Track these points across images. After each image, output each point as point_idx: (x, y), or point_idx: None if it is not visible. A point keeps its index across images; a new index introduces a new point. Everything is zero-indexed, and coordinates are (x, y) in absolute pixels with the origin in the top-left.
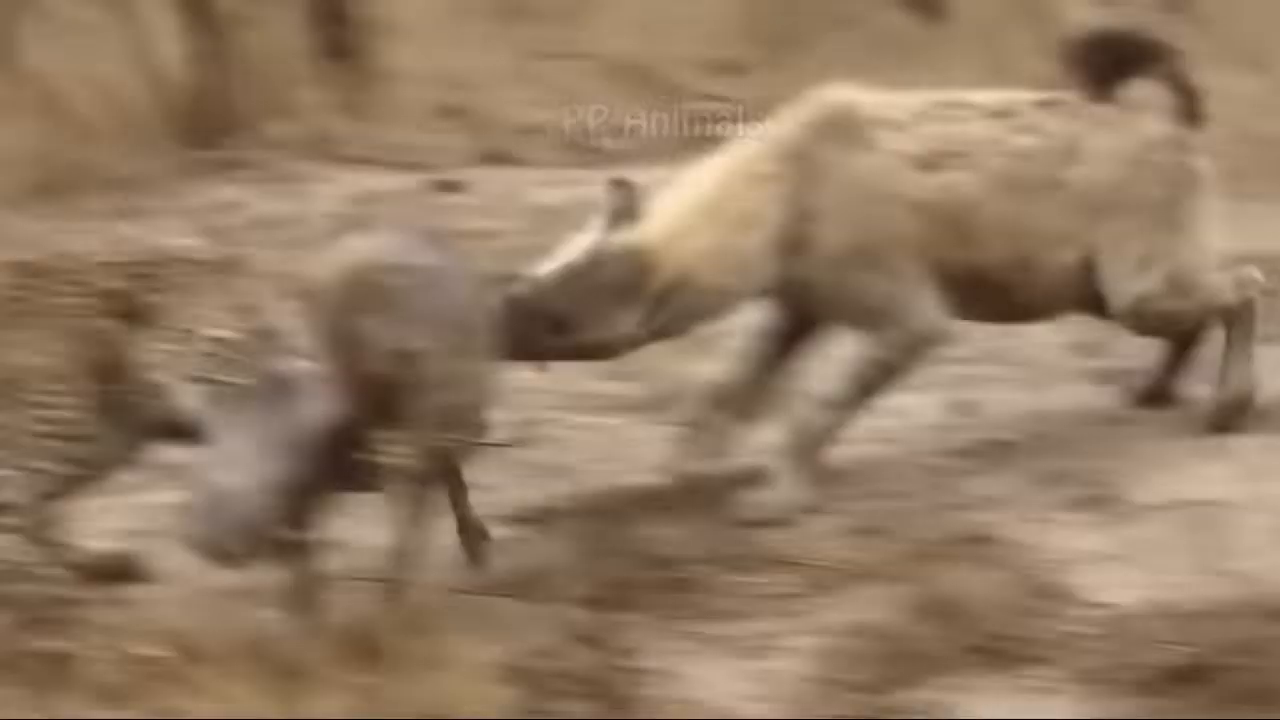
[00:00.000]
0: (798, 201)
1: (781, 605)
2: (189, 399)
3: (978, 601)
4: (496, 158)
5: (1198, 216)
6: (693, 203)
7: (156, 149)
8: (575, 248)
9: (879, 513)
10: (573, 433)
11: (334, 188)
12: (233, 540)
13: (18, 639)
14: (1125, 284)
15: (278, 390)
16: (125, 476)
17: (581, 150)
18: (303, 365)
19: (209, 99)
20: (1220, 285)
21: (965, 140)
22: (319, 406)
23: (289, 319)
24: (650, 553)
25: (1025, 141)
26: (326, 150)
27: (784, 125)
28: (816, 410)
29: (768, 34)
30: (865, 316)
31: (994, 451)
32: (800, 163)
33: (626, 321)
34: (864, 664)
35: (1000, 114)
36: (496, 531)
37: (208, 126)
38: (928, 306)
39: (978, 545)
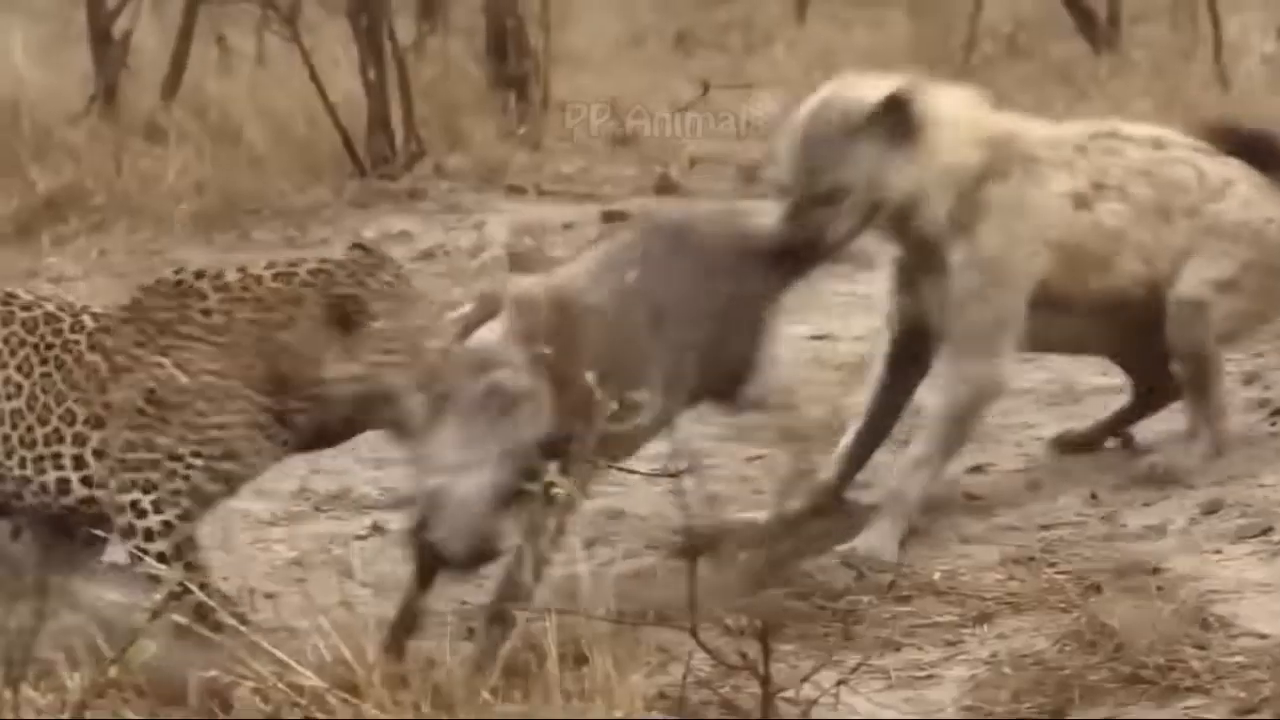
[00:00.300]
0: (982, 180)
1: (939, 635)
2: (411, 403)
3: (1136, 631)
4: (668, 188)
5: None
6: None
7: (330, 179)
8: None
9: (1039, 542)
10: (732, 462)
11: (506, 218)
12: (464, 545)
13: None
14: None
15: (499, 402)
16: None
17: (753, 181)
18: (524, 380)
19: (382, 130)
20: None
21: (1120, 171)
22: (536, 422)
23: (501, 336)
24: (808, 582)
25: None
26: (499, 181)
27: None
28: (909, 473)
29: (941, 64)
30: (963, 333)
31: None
32: (993, 148)
33: (875, 148)
34: (1022, 694)
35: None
36: (652, 560)
37: (380, 158)
38: (1007, 364)
39: (1138, 575)
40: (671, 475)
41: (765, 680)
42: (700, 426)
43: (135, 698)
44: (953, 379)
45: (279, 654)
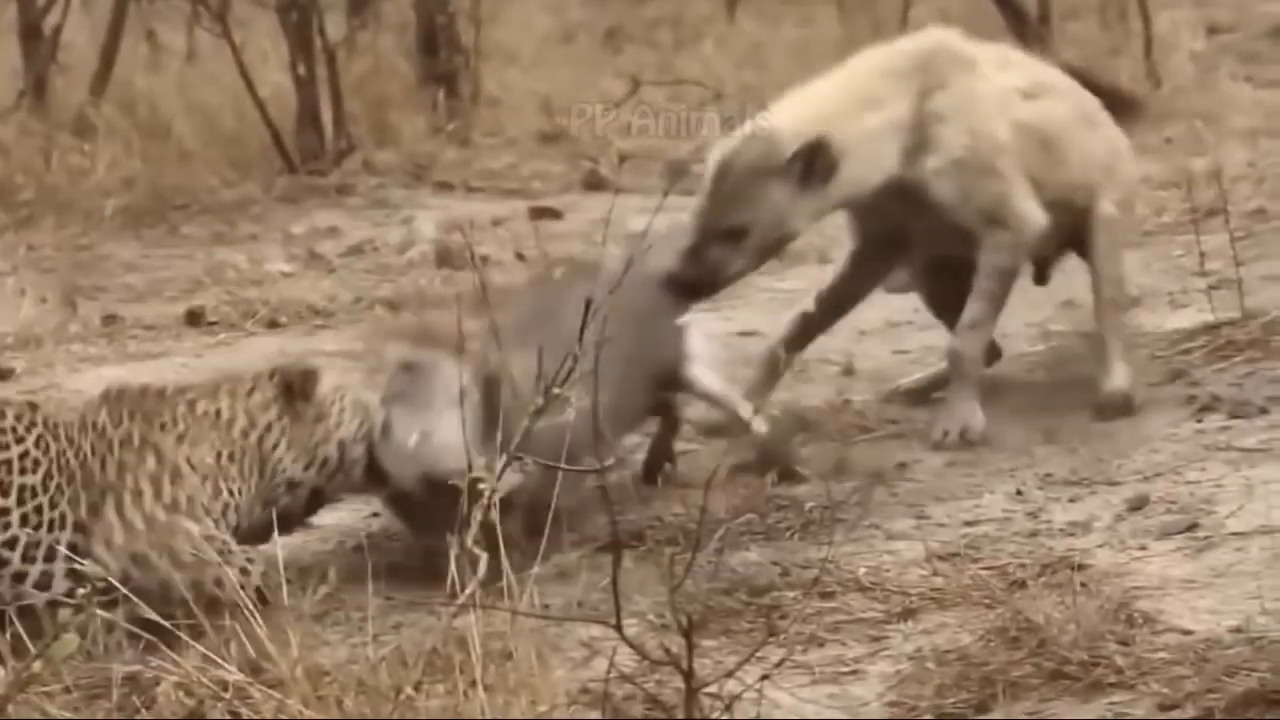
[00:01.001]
0: (923, 102)
1: (864, 630)
2: None
3: (1061, 627)
4: (596, 184)
5: None
6: (812, 93)
7: (258, 175)
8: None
9: (963, 538)
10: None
11: (434, 214)
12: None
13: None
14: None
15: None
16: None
17: (682, 178)
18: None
19: (312, 126)
20: None
21: (1055, 79)
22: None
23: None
24: (732, 577)
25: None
26: (428, 176)
27: (898, 46)
28: (964, 338)
29: None
30: (980, 220)
31: (1080, 477)
32: (924, 73)
33: (782, 191)
34: (946, 690)
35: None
36: (577, 555)
37: (310, 153)
38: (1030, 207)
39: (1063, 571)
40: (596, 471)
41: (689, 675)
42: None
43: (59, 692)
44: (986, 251)
45: (201, 648)
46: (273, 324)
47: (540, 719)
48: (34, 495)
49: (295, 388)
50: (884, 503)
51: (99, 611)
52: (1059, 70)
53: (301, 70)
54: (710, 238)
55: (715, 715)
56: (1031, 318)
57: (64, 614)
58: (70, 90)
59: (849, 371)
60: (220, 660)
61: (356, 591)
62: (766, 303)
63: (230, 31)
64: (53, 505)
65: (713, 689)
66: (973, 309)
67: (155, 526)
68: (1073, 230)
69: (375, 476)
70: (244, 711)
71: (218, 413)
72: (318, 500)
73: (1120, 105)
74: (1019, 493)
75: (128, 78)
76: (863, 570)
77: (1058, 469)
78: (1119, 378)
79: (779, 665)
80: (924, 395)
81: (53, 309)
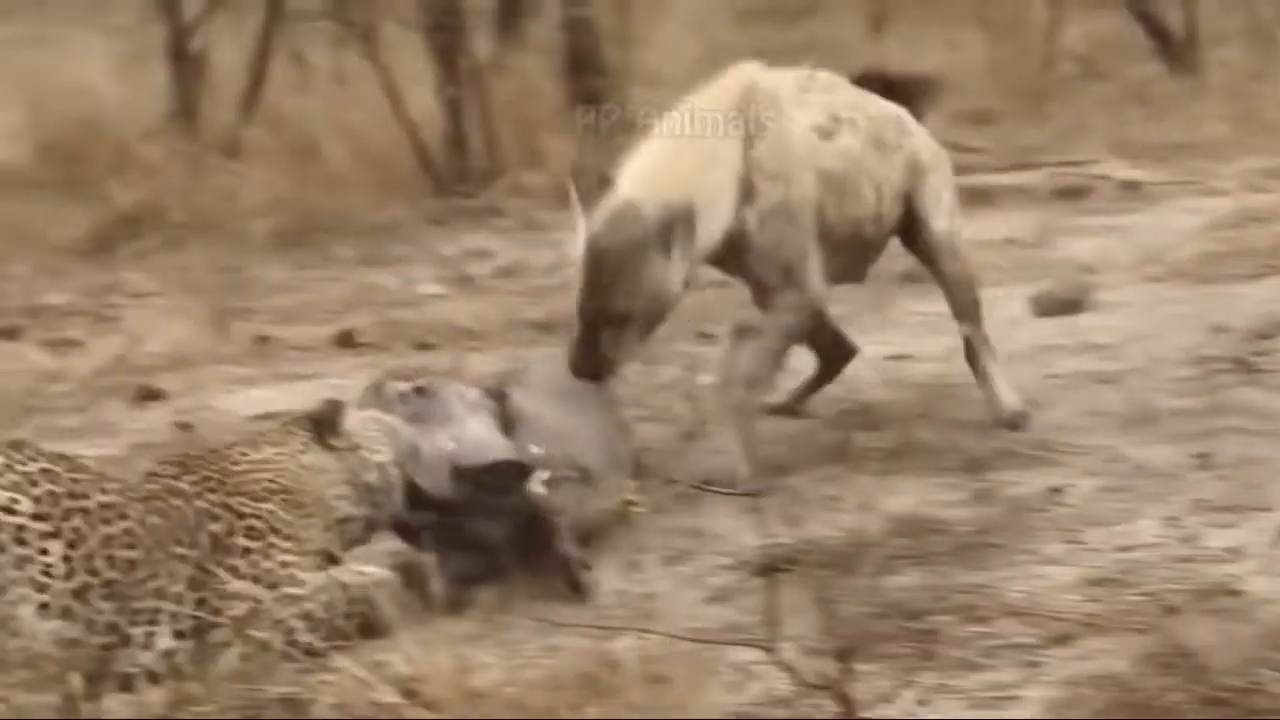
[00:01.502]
0: (748, 150)
1: (1018, 656)
2: None
3: (1216, 653)
4: None
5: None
6: (656, 153)
7: (406, 197)
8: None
9: (1117, 564)
10: (811, 482)
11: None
12: None
13: (259, 685)
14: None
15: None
16: None
17: None
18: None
19: (460, 147)
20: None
21: (849, 104)
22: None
23: None
24: (887, 602)
25: (876, 109)
26: None
27: (716, 93)
28: (735, 392)
29: (1018, 85)
30: (781, 273)
31: (1234, 503)
32: (745, 119)
33: (659, 264)
34: (1101, 715)
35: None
36: (732, 579)
37: (458, 175)
38: (820, 272)
39: (1217, 597)
40: (750, 494)
41: (845, 700)
42: (776, 445)
43: (214, 713)
44: (779, 310)
45: (356, 670)
46: (423, 345)
47: None
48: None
49: (324, 422)
50: (1037, 527)
51: (253, 633)
52: (851, 88)
53: (449, 92)
54: (597, 325)
55: None
56: (1182, 342)
57: (222, 634)
58: (218, 111)
59: None
60: (374, 681)
61: (511, 614)
62: (917, 325)
63: (378, 53)
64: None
65: (868, 714)
66: (752, 364)
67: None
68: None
69: (414, 500)
70: None
71: (271, 463)
72: (371, 530)
73: (915, 92)
74: (1173, 518)
75: (276, 99)
76: (1017, 595)
77: (1211, 494)
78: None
79: (935, 690)
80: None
81: (204, 330)
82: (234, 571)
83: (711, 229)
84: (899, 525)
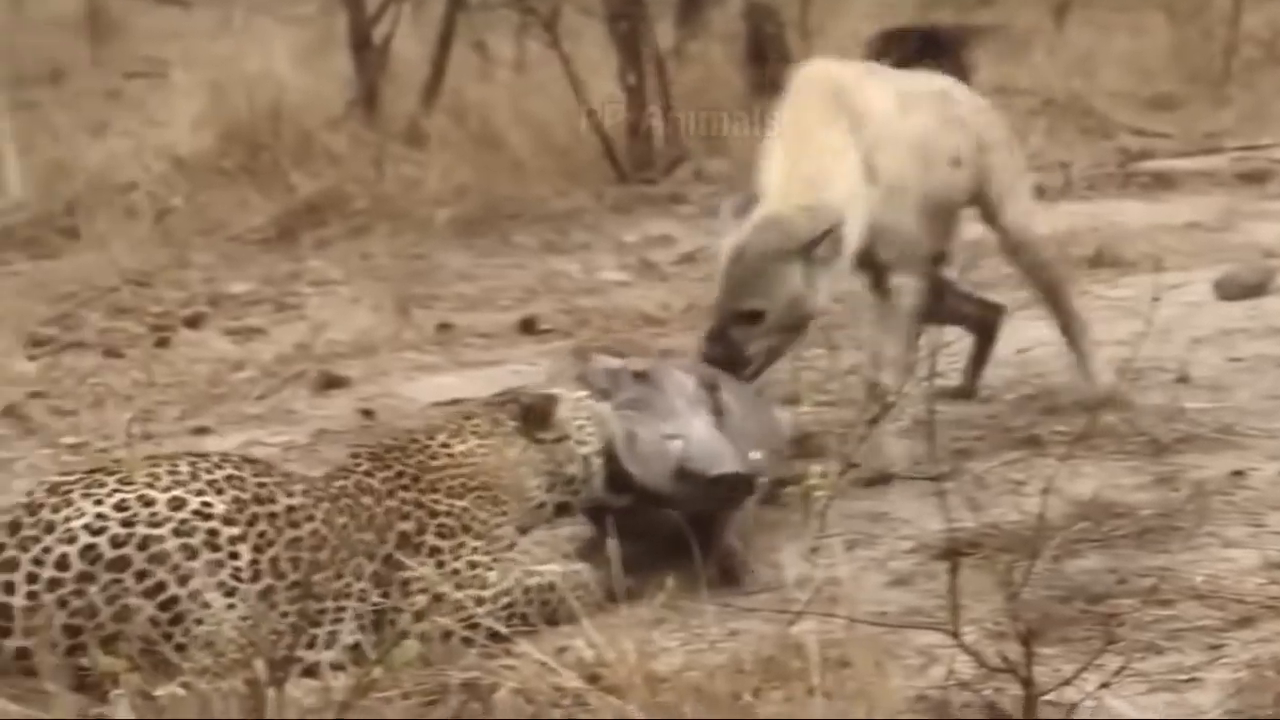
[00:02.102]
0: (857, 136)
1: (1201, 638)
2: None
3: None
4: None
5: None
6: (784, 161)
7: (590, 184)
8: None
9: None
10: (994, 467)
11: None
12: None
13: (443, 669)
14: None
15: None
16: None
17: None
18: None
19: (642, 135)
20: None
21: (905, 88)
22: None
23: None
24: (1070, 585)
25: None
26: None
27: (805, 90)
28: (891, 376)
29: (1201, 70)
30: (897, 250)
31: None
32: (844, 109)
33: (797, 275)
34: None
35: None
36: (915, 563)
37: (640, 162)
38: (926, 246)
39: None
40: (933, 478)
41: (1028, 683)
42: (962, 430)
43: (398, 698)
44: (900, 293)
45: (540, 655)
46: (605, 332)
47: None
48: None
49: (536, 415)
50: (1220, 510)
51: (437, 619)
52: (899, 72)
53: (631, 80)
54: (727, 322)
55: None
56: None
57: (405, 620)
58: (401, 100)
59: (1183, 379)
60: (557, 666)
61: (693, 598)
62: (1103, 308)
63: (560, 41)
64: (339, 577)
65: (1051, 697)
66: (895, 350)
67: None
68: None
69: (616, 484)
70: (582, 717)
71: (472, 457)
72: (562, 513)
73: (953, 45)
74: None
75: (458, 87)
76: (1200, 578)
77: None
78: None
79: (1117, 673)
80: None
81: (387, 317)
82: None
83: (858, 228)
84: (1082, 509)
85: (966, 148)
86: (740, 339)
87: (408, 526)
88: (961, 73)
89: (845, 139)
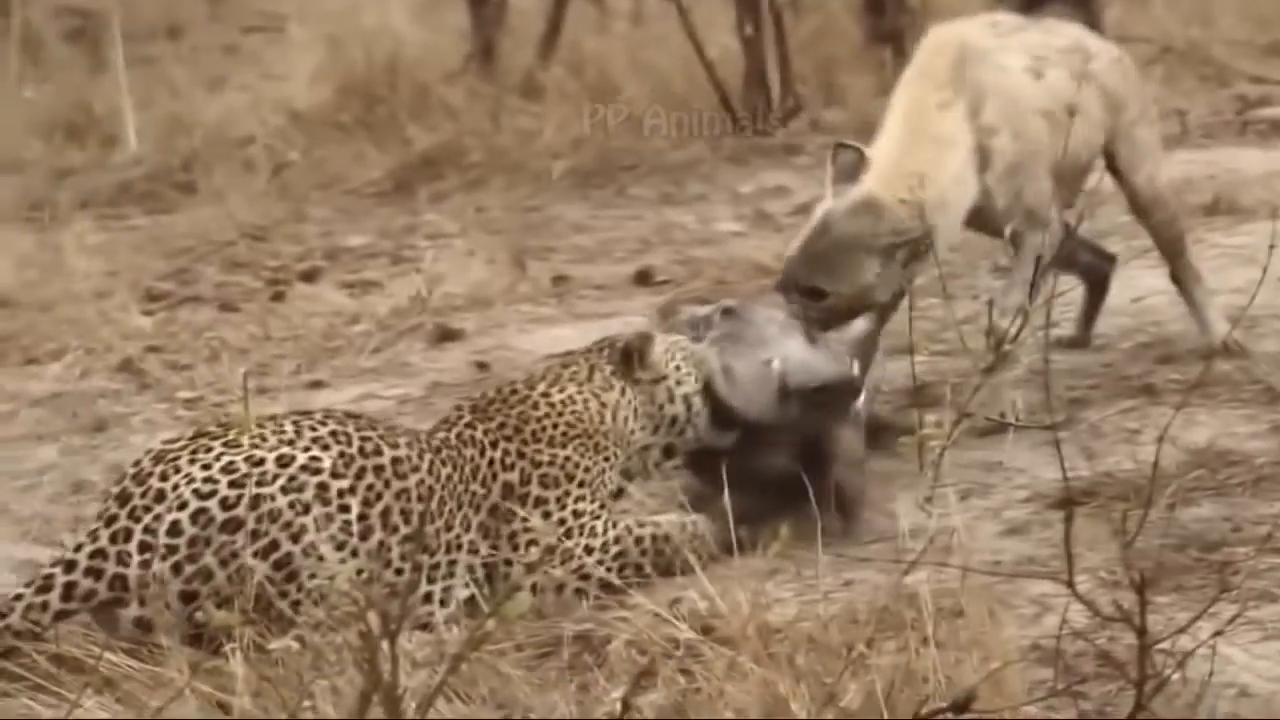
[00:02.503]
0: (975, 121)
1: None
2: None
3: None
4: None
5: None
6: (896, 144)
7: (707, 136)
8: (808, 223)
9: None
10: (1109, 416)
11: None
12: None
13: (556, 622)
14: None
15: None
16: None
17: None
18: None
19: (758, 86)
20: None
21: (1038, 45)
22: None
23: None
24: (1184, 533)
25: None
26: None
27: (931, 62)
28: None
29: None
30: (1024, 218)
31: None
32: (964, 85)
33: (872, 268)
34: None
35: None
36: (1029, 513)
37: (757, 113)
38: (1057, 206)
39: None
40: (1048, 427)
41: (1141, 632)
42: (1077, 379)
43: (511, 650)
44: (1026, 249)
45: (653, 606)
46: (721, 283)
47: (992, 675)
48: (433, 520)
49: (633, 356)
50: None
51: (551, 571)
52: (1031, 23)
53: (748, 31)
54: (790, 287)
55: (1168, 672)
56: None
57: (517, 572)
58: (517, 53)
59: None
60: (671, 618)
61: (807, 548)
62: (1216, 258)
63: None
64: (448, 529)
65: (1165, 645)
66: (1013, 295)
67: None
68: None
69: (721, 421)
70: (696, 669)
71: (573, 404)
72: (669, 455)
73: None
74: None
75: (575, 40)
76: None
77: None
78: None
79: (1231, 621)
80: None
81: (502, 270)
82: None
83: (955, 225)
84: (1196, 457)
85: (1099, 105)
86: (801, 304)
87: (511, 477)
88: (1093, 19)
89: (961, 126)
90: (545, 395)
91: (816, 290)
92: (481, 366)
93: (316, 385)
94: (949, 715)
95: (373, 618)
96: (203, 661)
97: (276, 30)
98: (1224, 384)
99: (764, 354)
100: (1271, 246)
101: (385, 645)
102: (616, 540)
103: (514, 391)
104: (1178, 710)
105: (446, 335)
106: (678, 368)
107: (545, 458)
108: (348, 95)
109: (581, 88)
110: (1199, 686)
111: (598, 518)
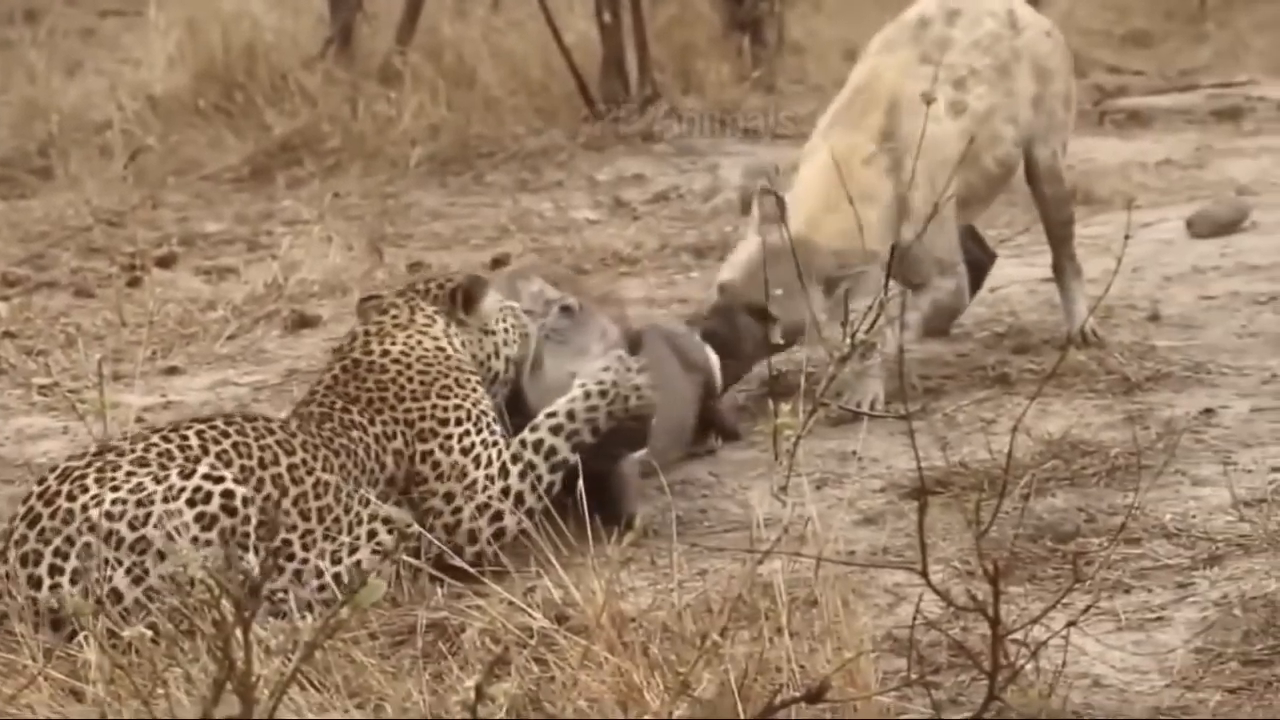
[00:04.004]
0: (898, 174)
1: (1170, 577)
2: None
3: None
4: None
5: None
6: (821, 196)
7: (564, 123)
8: (743, 253)
9: (1270, 484)
10: (964, 405)
11: (740, 161)
12: None
13: (410, 610)
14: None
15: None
16: None
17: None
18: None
19: (617, 73)
20: None
21: (965, 49)
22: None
23: None
24: (1038, 524)
25: (989, 25)
26: (734, 124)
27: (862, 114)
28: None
29: (1177, 7)
30: (933, 266)
31: None
32: (891, 143)
33: (818, 299)
34: (1253, 636)
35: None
36: (884, 502)
37: (616, 100)
38: (959, 242)
39: None
40: (902, 417)
41: (995, 622)
42: (932, 369)
43: (365, 639)
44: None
45: (507, 595)
46: (578, 270)
47: (845, 664)
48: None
49: (463, 297)
50: (1189, 449)
51: (405, 558)
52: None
53: (607, 17)
54: (738, 308)
55: (1022, 662)
56: None
57: (369, 560)
58: (376, 39)
59: (1154, 317)
60: (525, 606)
61: (661, 538)
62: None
63: None
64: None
65: (1019, 635)
66: (912, 325)
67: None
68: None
69: (515, 407)
70: (550, 658)
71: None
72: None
73: None
74: None
75: (434, 26)
76: (1169, 516)
77: None
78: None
79: (1085, 612)
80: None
81: (359, 257)
82: (425, 484)
83: (878, 274)
84: (1052, 447)
85: (1030, 76)
86: (744, 326)
87: (398, 445)
88: None
89: (883, 182)
90: (386, 353)
91: (767, 314)
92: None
93: (172, 371)
94: (803, 704)
95: (226, 605)
96: (55, 649)
97: (135, 14)
98: (1079, 374)
99: (576, 366)
100: (1127, 237)
101: (239, 633)
102: (515, 458)
103: (356, 362)
104: (1031, 700)
105: (303, 322)
106: (507, 330)
107: (415, 415)
108: (205, 80)
109: (439, 73)
110: (1052, 677)
111: (490, 445)
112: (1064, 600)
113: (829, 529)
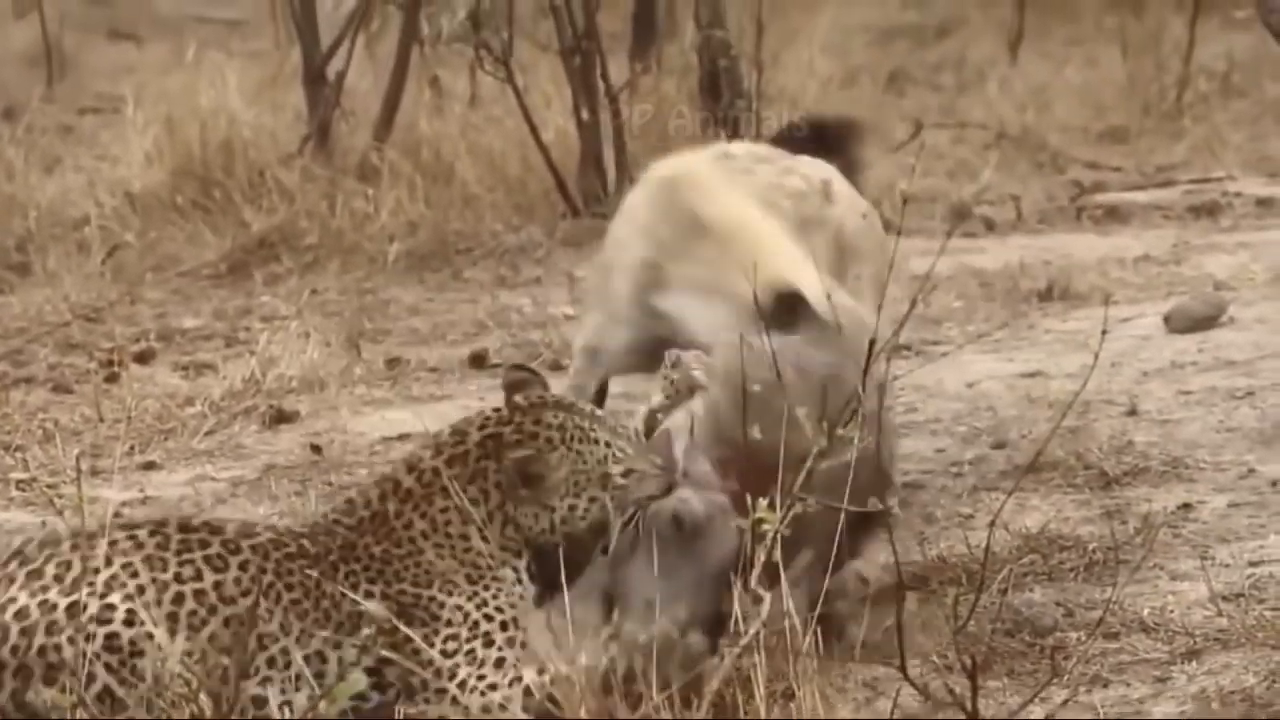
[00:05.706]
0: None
1: (1148, 671)
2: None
3: None
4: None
5: None
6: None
7: (542, 219)
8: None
9: (1248, 579)
10: (942, 499)
11: None
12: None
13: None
14: None
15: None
16: None
17: (965, 220)
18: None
19: (595, 169)
20: None
21: (766, 188)
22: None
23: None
24: (1016, 618)
25: (799, 182)
26: None
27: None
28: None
29: (1154, 102)
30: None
31: None
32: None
33: None
34: None
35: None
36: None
37: (593, 197)
38: None
39: None
40: (880, 511)
41: (974, 716)
42: (910, 464)
43: None
44: None
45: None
46: (556, 366)
47: None
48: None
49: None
50: (1167, 543)
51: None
52: (775, 160)
53: (585, 114)
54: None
55: None
56: None
57: (350, 654)
58: (354, 135)
59: (1132, 412)
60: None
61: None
62: (1050, 343)
63: (514, 76)
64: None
65: None
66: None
67: None
68: None
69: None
70: None
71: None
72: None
73: (847, 137)
74: None
75: (411, 123)
76: (1147, 611)
77: None
78: None
79: (1063, 705)
80: None
81: (337, 352)
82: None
83: None
84: (1029, 542)
85: (829, 249)
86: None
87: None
88: (850, 168)
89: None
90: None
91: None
92: (316, 449)
93: (150, 467)
94: None
95: (204, 702)
96: None
97: (113, 111)
98: (1056, 469)
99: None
100: (1104, 332)
101: None
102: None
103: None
104: None
105: (281, 418)
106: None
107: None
108: (184, 177)
109: (416, 170)
110: None
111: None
112: (1042, 694)
113: (806, 623)
